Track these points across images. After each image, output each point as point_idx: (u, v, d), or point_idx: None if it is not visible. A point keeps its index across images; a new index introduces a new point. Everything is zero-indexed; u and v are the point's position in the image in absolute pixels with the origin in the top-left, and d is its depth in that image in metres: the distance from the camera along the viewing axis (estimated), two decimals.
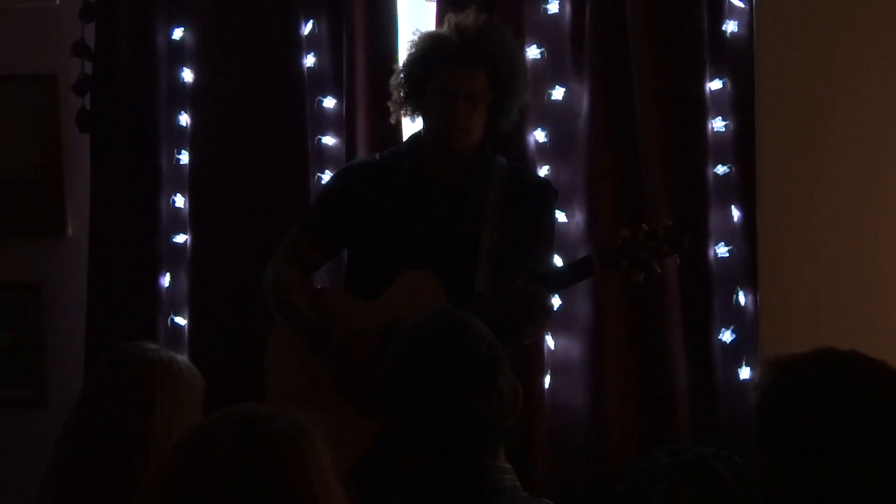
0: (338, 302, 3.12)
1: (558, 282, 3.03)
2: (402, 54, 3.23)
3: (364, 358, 2.96)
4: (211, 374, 2.16)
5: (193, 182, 3.74)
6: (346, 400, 3.00)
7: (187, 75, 3.76)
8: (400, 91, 3.16)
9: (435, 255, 3.03)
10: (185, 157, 3.76)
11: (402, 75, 3.16)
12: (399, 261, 3.03)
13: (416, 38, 3.16)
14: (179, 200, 3.78)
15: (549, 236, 3.20)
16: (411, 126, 3.32)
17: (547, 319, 3.00)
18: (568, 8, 3.64)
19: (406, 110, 3.21)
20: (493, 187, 3.10)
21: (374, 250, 3.11)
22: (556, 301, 3.57)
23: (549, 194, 3.24)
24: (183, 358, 2.16)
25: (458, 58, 3.04)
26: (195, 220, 3.73)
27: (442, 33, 3.11)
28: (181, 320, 3.75)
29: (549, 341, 3.60)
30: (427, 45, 3.10)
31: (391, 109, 3.24)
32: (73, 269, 3.80)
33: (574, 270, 3.04)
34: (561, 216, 3.56)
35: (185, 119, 3.76)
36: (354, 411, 2.98)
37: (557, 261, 3.40)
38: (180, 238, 3.77)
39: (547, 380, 3.58)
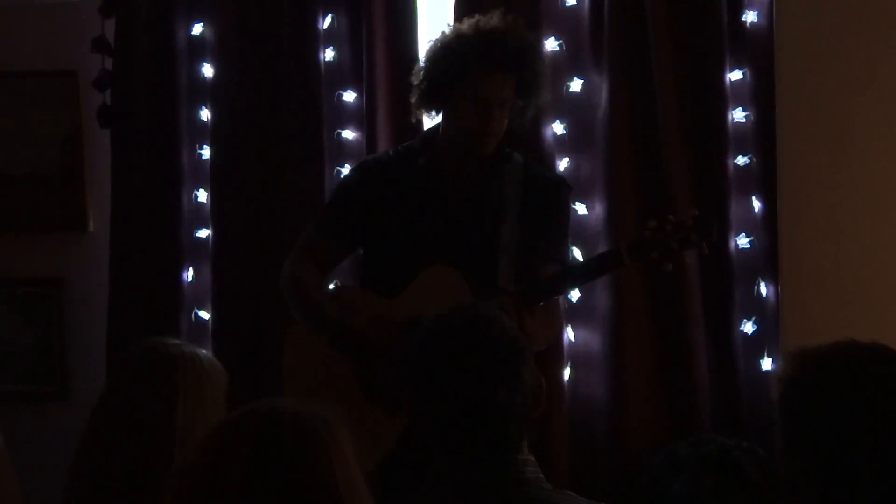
0: (359, 300, 3.10)
1: (586, 274, 3.03)
2: (426, 50, 3.14)
3: (388, 354, 2.93)
4: (235, 367, 2.17)
5: (215, 177, 3.75)
6: (370, 398, 2.98)
7: (207, 70, 3.77)
8: (422, 88, 3.10)
9: (455, 252, 3.02)
10: (206, 152, 3.77)
11: (426, 74, 3.09)
12: (419, 258, 3.02)
13: (445, 37, 3.09)
14: (202, 195, 3.78)
15: (566, 230, 3.20)
16: (431, 121, 3.30)
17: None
18: None
19: (426, 109, 3.17)
20: (511, 183, 3.09)
21: (392, 247, 3.09)
22: (575, 293, 3.59)
23: (563, 189, 3.23)
24: (206, 353, 2.16)
25: (492, 65, 2.99)
26: (217, 214, 3.74)
27: (472, 36, 3.03)
28: (205, 314, 3.76)
29: (570, 333, 3.60)
30: (458, 48, 3.02)
31: (413, 108, 3.19)
32: (95, 265, 3.82)
33: (602, 262, 3.01)
34: (581, 208, 3.57)
35: (206, 114, 3.77)
36: (377, 410, 2.96)
37: (576, 254, 3.41)
38: (203, 233, 3.78)
39: (567, 372, 3.58)
